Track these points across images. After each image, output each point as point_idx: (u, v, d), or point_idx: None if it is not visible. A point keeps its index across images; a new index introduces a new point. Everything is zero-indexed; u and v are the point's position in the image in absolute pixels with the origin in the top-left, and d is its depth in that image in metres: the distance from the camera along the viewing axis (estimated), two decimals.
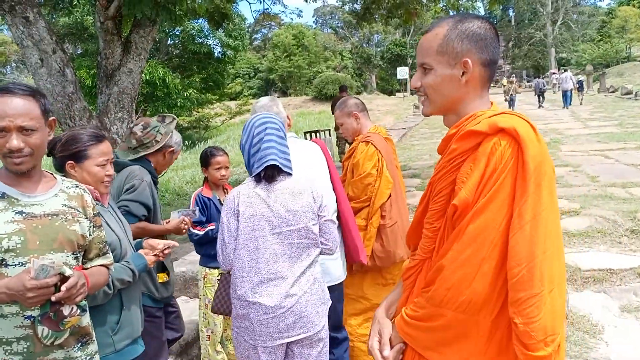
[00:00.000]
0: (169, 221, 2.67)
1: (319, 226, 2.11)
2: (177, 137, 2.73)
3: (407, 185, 7.85)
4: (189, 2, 7.64)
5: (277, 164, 2.02)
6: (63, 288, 1.40)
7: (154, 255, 2.02)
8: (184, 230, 2.65)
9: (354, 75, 43.76)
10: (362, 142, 2.96)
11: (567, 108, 20.69)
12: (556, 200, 1.14)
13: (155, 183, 2.56)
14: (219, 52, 25.13)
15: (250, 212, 2.00)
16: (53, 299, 1.40)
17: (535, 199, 1.09)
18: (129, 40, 6.22)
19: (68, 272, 1.43)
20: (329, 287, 2.52)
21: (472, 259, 1.13)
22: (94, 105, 9.20)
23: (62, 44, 5.98)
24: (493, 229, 1.11)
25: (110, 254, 1.77)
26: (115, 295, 1.86)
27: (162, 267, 2.50)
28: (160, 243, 2.08)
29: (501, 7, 53.85)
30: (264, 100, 2.66)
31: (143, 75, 22.07)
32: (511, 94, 21.15)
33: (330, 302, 2.20)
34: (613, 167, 7.83)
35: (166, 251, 2.05)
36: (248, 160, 2.10)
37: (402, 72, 31.39)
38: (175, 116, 2.69)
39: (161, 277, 2.31)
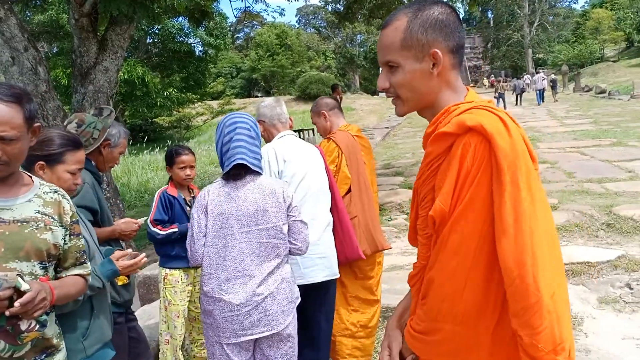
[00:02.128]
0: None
1: (289, 226, 2.13)
2: (115, 129, 2.50)
3: (390, 183, 7.90)
4: None
5: (245, 162, 2.05)
6: (16, 304, 1.31)
7: (127, 265, 1.93)
8: (134, 233, 2.53)
9: (337, 75, 43.83)
10: (325, 139, 3.05)
11: (539, 105, 22.00)
12: (539, 194, 1.04)
13: (100, 182, 2.43)
14: (200, 51, 24.91)
15: (218, 211, 2.04)
16: (7, 313, 1.32)
17: (514, 198, 1.00)
18: (105, 38, 6.10)
19: (24, 286, 1.33)
20: (327, 282, 2.60)
21: (459, 270, 1.07)
22: (69, 105, 9.01)
23: (36, 41, 5.84)
24: (474, 236, 1.05)
25: (89, 263, 1.69)
26: (86, 300, 1.78)
27: None
28: (129, 252, 2.00)
29: (480, 9, 54.59)
30: (269, 100, 2.77)
31: (121, 74, 21.80)
32: (500, 92, 22.36)
33: (299, 300, 2.22)
34: (589, 164, 7.96)
35: (142, 261, 1.97)
36: (221, 159, 2.14)
37: None
38: (112, 109, 2.49)
39: (122, 280, 2.23)
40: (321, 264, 2.58)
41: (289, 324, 2.12)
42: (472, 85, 57.79)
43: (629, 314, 3.47)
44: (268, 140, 2.74)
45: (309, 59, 45.56)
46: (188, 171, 3.02)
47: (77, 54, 5.92)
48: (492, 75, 56.73)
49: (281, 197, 2.10)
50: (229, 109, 31.89)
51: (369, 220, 2.94)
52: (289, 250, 2.16)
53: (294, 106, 32.96)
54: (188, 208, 3.00)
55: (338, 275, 2.70)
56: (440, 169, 1.11)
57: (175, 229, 2.89)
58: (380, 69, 1.21)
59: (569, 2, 53.85)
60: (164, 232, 2.89)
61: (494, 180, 1.02)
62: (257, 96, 44.19)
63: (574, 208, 5.45)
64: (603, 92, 24.75)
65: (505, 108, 22.24)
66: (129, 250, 1.99)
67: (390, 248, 3.03)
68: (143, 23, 12.24)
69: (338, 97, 11.11)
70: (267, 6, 13.14)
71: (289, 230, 2.14)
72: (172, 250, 2.95)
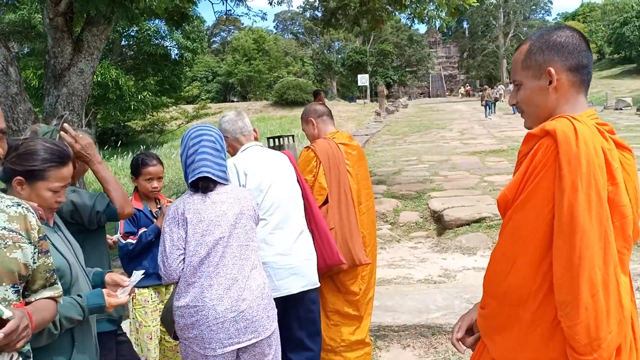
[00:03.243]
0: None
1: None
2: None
3: (373, 192, 7.77)
4: (147, 0, 7.28)
5: (211, 175, 2.06)
6: (0, 334, 1.14)
7: (118, 297, 1.72)
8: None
9: (315, 81, 43.85)
10: (305, 147, 2.98)
11: (514, 114, 22.30)
12: (599, 201, 1.09)
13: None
14: (176, 54, 24.48)
15: (198, 219, 2.02)
16: None
17: (571, 201, 1.08)
18: (81, 39, 5.82)
19: (6, 313, 1.16)
20: (305, 292, 2.53)
21: (508, 254, 1.19)
22: (40, 108, 8.61)
23: (7, 41, 5.52)
24: (527, 226, 1.15)
25: (59, 283, 1.48)
26: (65, 332, 1.56)
27: None
28: (126, 280, 1.79)
29: (456, 19, 55.61)
30: (230, 115, 2.75)
31: (94, 76, 21.13)
32: (486, 100, 22.92)
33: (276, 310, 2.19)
34: None
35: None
36: (185, 171, 2.13)
37: (363, 79, 31.72)
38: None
39: None
40: (295, 274, 2.51)
41: (274, 330, 2.10)
42: (448, 93, 58.86)
43: None
44: (233, 154, 2.69)
45: (286, 65, 45.49)
46: (155, 183, 2.78)
47: (51, 55, 5.62)
48: (468, 84, 57.84)
49: (254, 201, 2.18)
50: (205, 114, 31.52)
51: (346, 233, 2.82)
52: None
53: (270, 112, 32.80)
54: (155, 220, 2.80)
55: (318, 285, 2.63)
56: (523, 165, 1.22)
57: (144, 229, 2.70)
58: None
59: (543, 14, 55.34)
60: (135, 241, 2.70)
61: (557, 181, 1.11)
62: (233, 101, 43.82)
63: None
64: None
65: (495, 113, 22.69)
66: (126, 282, 1.78)
67: (369, 264, 2.88)
68: (120, 24, 11.88)
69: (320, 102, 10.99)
70: (249, 10, 12.94)
71: None
72: (141, 266, 2.71)
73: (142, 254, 2.74)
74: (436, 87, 60.43)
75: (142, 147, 20.42)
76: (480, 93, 27.61)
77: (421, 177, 8.65)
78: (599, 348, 1.07)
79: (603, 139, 1.15)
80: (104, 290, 1.70)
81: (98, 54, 6.07)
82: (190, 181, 2.07)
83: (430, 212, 6.40)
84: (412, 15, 8.02)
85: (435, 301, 3.60)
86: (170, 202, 2.81)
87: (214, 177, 2.06)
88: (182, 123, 30.00)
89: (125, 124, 28.08)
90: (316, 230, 2.67)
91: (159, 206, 2.88)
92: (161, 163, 2.84)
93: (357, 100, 37.80)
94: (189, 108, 31.27)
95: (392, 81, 47.65)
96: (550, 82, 1.24)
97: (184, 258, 2.02)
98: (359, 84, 33.30)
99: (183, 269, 2.02)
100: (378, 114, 24.23)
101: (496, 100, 24.99)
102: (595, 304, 1.07)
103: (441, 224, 6.00)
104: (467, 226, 5.73)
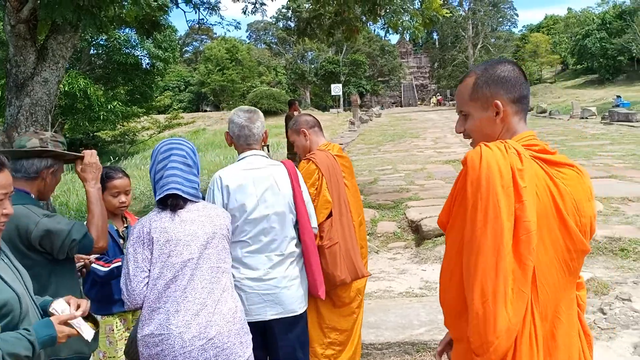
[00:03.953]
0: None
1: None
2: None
3: None
4: (116, 8, 7.08)
5: (180, 193, 1.92)
6: None
7: (69, 334, 1.50)
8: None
9: (289, 90, 43.85)
10: (304, 159, 2.85)
11: None
12: (495, 218, 1.19)
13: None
14: (147, 64, 24.05)
15: (165, 238, 1.88)
16: None
17: (472, 218, 1.21)
18: (45, 47, 5.57)
19: None
20: (278, 320, 2.36)
21: (446, 271, 1.34)
22: (1, 119, 8.24)
23: None
24: (455, 245, 1.29)
25: None
26: None
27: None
28: (72, 301, 1.57)
29: (426, 30, 56.71)
30: (242, 118, 2.47)
31: (61, 86, 20.60)
32: None
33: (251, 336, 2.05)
34: None
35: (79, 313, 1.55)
36: (154, 187, 2.01)
37: (336, 88, 31.88)
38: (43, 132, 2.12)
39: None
40: (270, 300, 2.35)
41: (249, 358, 1.97)
42: (419, 103, 59.72)
43: (606, 341, 3.40)
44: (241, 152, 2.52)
45: (259, 74, 45.40)
46: (123, 198, 2.58)
47: (13, 64, 5.36)
48: (439, 94, 58.82)
49: (228, 219, 2.05)
50: (177, 123, 31.09)
51: (349, 246, 2.76)
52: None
53: None
54: (122, 241, 2.58)
55: (296, 313, 2.43)
56: (451, 190, 1.35)
57: (119, 263, 2.42)
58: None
59: (509, 26, 56.95)
60: (106, 268, 2.43)
61: (464, 202, 1.25)
62: (206, 110, 43.39)
63: None
64: (544, 111, 26.19)
65: None
66: (76, 313, 1.54)
67: (370, 275, 2.83)
68: (88, 33, 11.55)
69: (296, 112, 10.88)
70: (222, 19, 12.75)
71: None
72: (105, 292, 2.50)
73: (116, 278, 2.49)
74: (408, 96, 61.28)
75: (111, 158, 19.89)
76: (453, 102, 28.84)
77: (397, 186, 8.63)
78: (488, 351, 1.18)
79: (517, 160, 1.24)
80: (53, 319, 1.49)
81: (64, 62, 5.83)
82: (158, 198, 1.93)
83: (408, 222, 6.35)
84: (387, 25, 8.03)
85: (418, 316, 3.52)
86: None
87: (183, 195, 1.92)
88: (154, 133, 29.62)
89: (95, 134, 27.46)
90: (305, 254, 2.49)
91: (125, 225, 2.67)
92: (127, 176, 2.64)
93: (331, 110, 37.97)
94: (161, 118, 30.81)
95: (365, 91, 48.11)
96: (497, 113, 1.35)
97: (148, 281, 1.87)
98: (333, 93, 33.43)
99: (147, 293, 1.86)
100: (352, 123, 24.33)
101: None
102: (485, 310, 1.17)
103: (419, 234, 5.95)
104: None
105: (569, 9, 49.67)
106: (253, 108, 2.55)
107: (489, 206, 1.19)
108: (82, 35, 8.74)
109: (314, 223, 2.54)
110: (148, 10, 9.63)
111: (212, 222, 1.96)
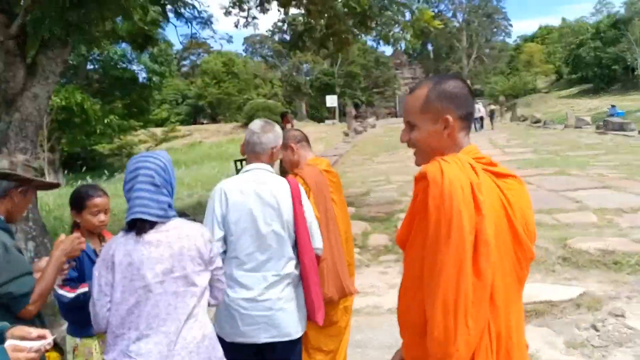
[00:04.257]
0: None
1: (211, 276, 1.93)
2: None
3: None
4: (107, 23, 7.09)
5: (146, 217, 1.81)
6: None
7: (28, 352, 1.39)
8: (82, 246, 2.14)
9: (285, 102, 44.02)
10: (292, 174, 2.82)
11: (476, 131, 23.47)
12: (458, 233, 1.21)
13: (12, 234, 2.06)
14: (144, 78, 24.18)
15: (127, 261, 1.78)
16: None
17: (436, 233, 1.22)
18: (35, 63, 5.57)
19: None
20: (272, 343, 2.29)
21: (408, 290, 1.33)
22: None
23: None
24: (417, 260, 1.28)
25: None
26: None
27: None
28: (33, 332, 1.46)
29: (421, 42, 57.09)
30: (255, 126, 2.48)
31: (58, 100, 20.58)
32: None
33: None
34: (536, 193, 8.10)
35: (46, 347, 1.46)
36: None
37: (331, 100, 31.98)
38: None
39: (52, 358, 1.79)
40: (264, 322, 2.28)
41: None
42: None
43: None
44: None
45: (255, 87, 45.56)
46: (102, 216, 2.53)
47: (2, 79, 5.35)
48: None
49: (201, 241, 1.87)
50: (174, 137, 31.15)
51: (337, 263, 2.72)
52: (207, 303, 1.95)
53: (240, 133, 32.54)
54: None
55: (291, 337, 2.35)
56: (410, 206, 1.36)
57: (86, 289, 2.35)
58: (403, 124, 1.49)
59: (503, 36, 57.41)
60: (72, 294, 2.37)
61: (426, 217, 1.25)
62: (203, 123, 43.46)
63: None
64: (538, 121, 26.25)
65: (482, 129, 24.03)
66: (33, 333, 1.45)
67: (358, 293, 2.78)
68: (81, 48, 11.58)
69: (289, 124, 10.87)
70: (215, 32, 12.85)
71: (211, 281, 1.94)
72: (84, 314, 2.46)
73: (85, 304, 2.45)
74: (403, 107, 61.40)
75: (105, 172, 19.83)
76: None
77: (390, 198, 8.60)
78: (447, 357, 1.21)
79: (473, 174, 1.28)
80: (8, 346, 1.38)
81: (54, 77, 5.82)
82: (126, 220, 1.85)
83: None
84: (378, 37, 8.07)
85: None
86: None
87: (150, 218, 1.82)
88: (151, 146, 29.64)
89: (92, 148, 27.49)
90: (303, 277, 2.43)
91: (103, 244, 2.64)
92: (107, 195, 2.61)
93: (327, 121, 38.05)
94: (158, 131, 30.84)
95: (360, 102, 48.29)
96: (446, 127, 1.38)
97: (111, 306, 1.80)
98: (328, 104, 33.61)
99: (110, 318, 1.80)
100: (346, 134, 24.36)
101: (482, 118, 25.69)
102: (446, 322, 1.20)
103: None
104: None
105: (563, 19, 50.14)
106: (271, 122, 2.54)
107: (452, 221, 1.21)
108: (74, 50, 8.73)
109: (318, 243, 2.47)
110: (141, 25, 9.64)
111: (181, 242, 1.84)
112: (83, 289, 2.37)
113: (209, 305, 1.97)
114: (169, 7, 7.94)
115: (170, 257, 1.80)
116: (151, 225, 1.83)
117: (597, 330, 3.60)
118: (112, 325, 1.79)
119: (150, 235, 1.82)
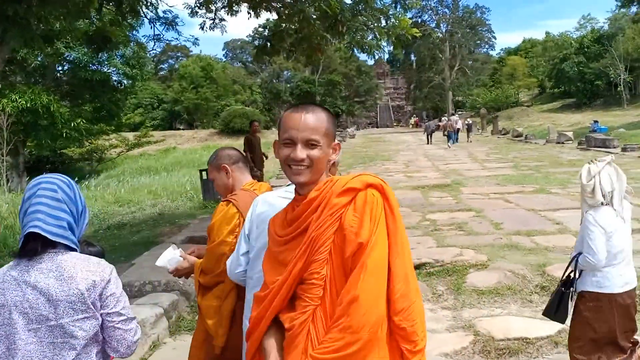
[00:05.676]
0: None
1: (105, 330, 1.68)
2: None
3: None
4: (52, 21, 6.52)
5: (40, 231, 1.59)
6: None
7: None
8: None
9: (263, 109, 43.56)
10: (224, 201, 2.50)
11: (451, 144, 23.82)
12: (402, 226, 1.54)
13: None
14: (115, 81, 23.40)
15: (0, 302, 1.59)
16: None
17: (401, 232, 1.51)
18: None
19: None
20: None
21: (377, 285, 1.44)
22: None
23: None
24: (384, 258, 1.47)
25: None
26: None
27: None
28: None
29: (404, 52, 57.36)
30: None
31: (23, 102, 19.67)
32: (448, 131, 25.09)
33: None
34: (515, 213, 7.77)
35: None
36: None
37: None
38: None
39: None
40: None
41: None
42: (395, 124, 59.97)
43: None
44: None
45: (234, 93, 45.05)
46: None
47: None
48: (415, 115, 59.20)
49: (86, 285, 1.60)
50: (147, 142, 30.34)
51: None
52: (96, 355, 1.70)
53: (216, 140, 31.99)
54: None
55: None
56: (346, 214, 1.48)
57: None
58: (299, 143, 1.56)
59: (487, 48, 57.88)
60: None
61: (390, 220, 1.50)
62: (179, 128, 42.65)
63: (504, 267, 5.03)
64: (520, 135, 26.22)
65: (456, 142, 24.50)
66: None
67: None
68: (16, 47, 10.88)
69: (257, 135, 10.35)
70: (179, 34, 12.39)
71: (103, 328, 1.68)
72: None
73: None
74: (384, 117, 61.59)
75: (75, 177, 19.05)
76: (427, 123, 30.44)
77: None
78: (424, 338, 1.49)
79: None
80: None
81: None
82: (19, 244, 1.62)
83: None
84: (351, 44, 7.69)
85: None
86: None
87: (44, 234, 1.59)
88: (122, 151, 28.93)
89: (61, 151, 26.58)
90: None
91: None
92: None
93: None
94: (130, 136, 30.06)
95: (341, 111, 48.08)
96: (334, 152, 1.60)
97: None
98: None
99: None
100: None
101: (432, 132, 27.35)
102: (420, 306, 1.50)
103: None
104: None
105: (547, 33, 50.15)
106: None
107: (402, 221, 1.55)
108: (15, 50, 8.11)
109: None
110: (99, 25, 9.06)
111: (66, 284, 1.60)
112: None
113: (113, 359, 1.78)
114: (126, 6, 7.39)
115: (47, 303, 1.58)
116: (43, 248, 1.61)
117: None
118: None
119: (33, 273, 1.60)
